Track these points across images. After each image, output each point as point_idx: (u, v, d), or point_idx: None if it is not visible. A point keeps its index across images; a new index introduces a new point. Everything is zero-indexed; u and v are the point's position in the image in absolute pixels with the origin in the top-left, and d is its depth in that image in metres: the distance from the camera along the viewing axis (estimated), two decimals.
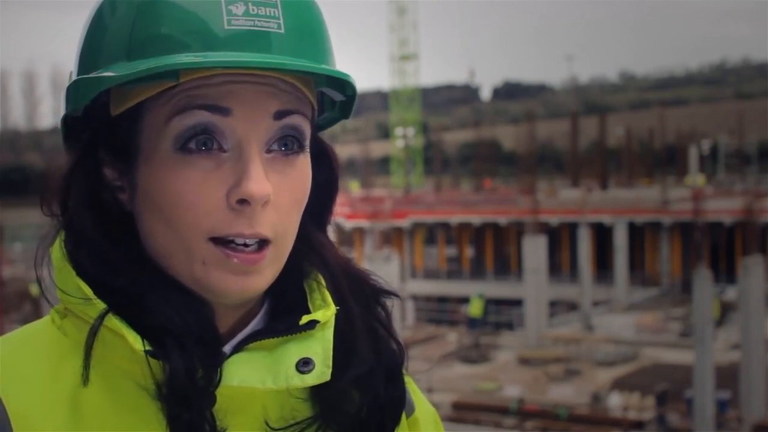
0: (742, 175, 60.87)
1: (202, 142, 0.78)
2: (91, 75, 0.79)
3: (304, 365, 0.81)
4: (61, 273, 0.82)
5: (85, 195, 0.83)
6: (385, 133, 78.79)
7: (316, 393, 0.86)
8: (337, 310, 0.86)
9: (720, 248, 34.47)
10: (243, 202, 0.78)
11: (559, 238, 36.78)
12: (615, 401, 18.37)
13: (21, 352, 0.81)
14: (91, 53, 0.81)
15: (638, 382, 19.67)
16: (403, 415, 0.92)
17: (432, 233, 41.53)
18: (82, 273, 0.81)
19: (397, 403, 0.91)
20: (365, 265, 0.98)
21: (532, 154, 38.64)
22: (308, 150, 0.84)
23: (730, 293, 27.61)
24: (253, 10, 0.78)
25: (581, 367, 21.86)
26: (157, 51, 0.77)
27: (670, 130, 59.32)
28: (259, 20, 0.78)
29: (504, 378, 21.06)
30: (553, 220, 35.76)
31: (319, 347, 0.82)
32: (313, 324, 0.83)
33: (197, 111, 0.78)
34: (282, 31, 0.79)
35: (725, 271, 32.74)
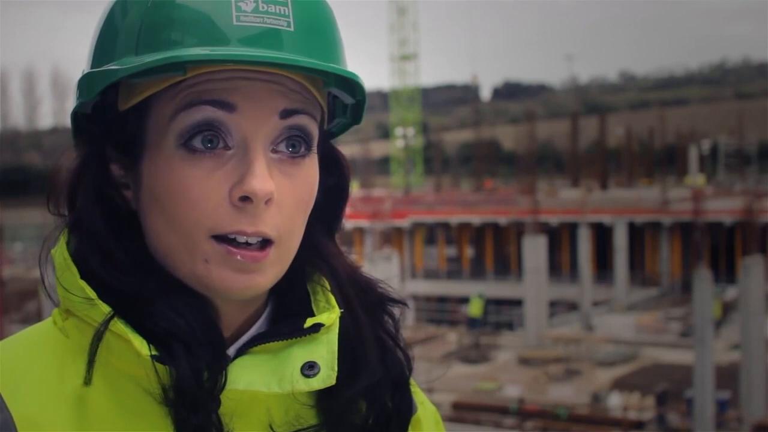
0: (742, 175, 60.88)
1: (207, 139, 0.78)
2: (99, 68, 0.79)
3: (310, 369, 0.80)
4: (64, 274, 0.82)
5: (93, 192, 0.82)
6: (385, 133, 78.76)
7: (322, 401, 0.85)
8: (341, 313, 0.85)
9: (720, 248, 34.47)
10: (246, 199, 0.77)
11: (559, 238, 36.78)
12: (615, 401, 18.36)
13: (24, 355, 0.80)
14: (102, 49, 0.82)
15: (638, 382, 19.67)
16: None
17: (432, 233, 41.52)
18: (86, 274, 0.80)
19: (404, 414, 0.90)
20: (365, 265, 0.98)
21: (532, 154, 38.63)
22: (315, 152, 0.83)
23: (730, 293, 27.61)
24: (262, 7, 0.78)
25: (581, 367, 21.85)
26: (165, 46, 0.77)
27: (670, 130, 59.37)
28: (268, 17, 0.78)
29: (504, 378, 21.05)
30: (553, 220, 35.76)
31: (324, 351, 0.82)
32: (317, 327, 0.82)
33: (202, 106, 0.77)
34: (291, 29, 0.79)
35: (725, 271, 32.74)
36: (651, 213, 35.51)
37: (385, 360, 0.90)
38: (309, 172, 0.82)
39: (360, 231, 35.64)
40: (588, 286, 28.37)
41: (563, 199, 40.88)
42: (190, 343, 0.77)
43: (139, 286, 0.80)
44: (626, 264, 32.30)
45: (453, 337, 26.03)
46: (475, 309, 26.58)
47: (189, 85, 0.78)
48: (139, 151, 0.81)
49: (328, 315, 0.84)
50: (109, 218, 0.82)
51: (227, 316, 0.83)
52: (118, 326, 0.77)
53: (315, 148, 0.83)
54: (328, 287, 0.88)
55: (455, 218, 39.21)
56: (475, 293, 27.70)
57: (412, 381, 0.95)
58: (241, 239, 0.78)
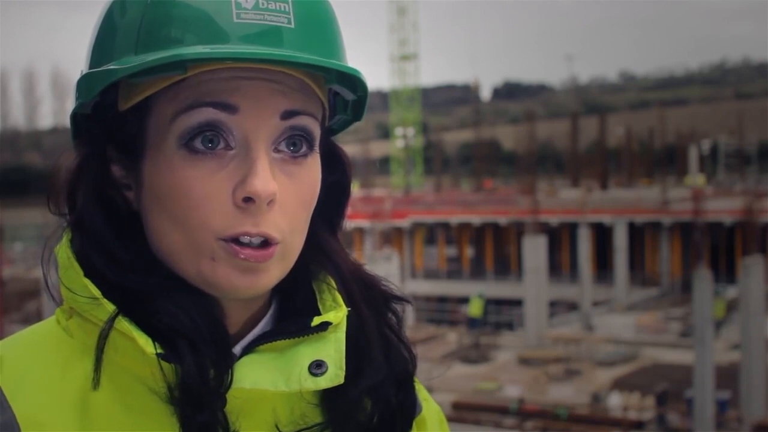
0: (742, 175, 60.90)
1: (208, 139, 0.78)
2: (98, 69, 0.79)
3: (317, 367, 0.80)
4: (67, 272, 0.81)
5: (94, 192, 0.82)
6: (385, 133, 78.78)
7: (328, 400, 0.85)
8: (348, 311, 0.85)
9: (720, 248, 34.48)
10: (248, 200, 0.77)
11: (559, 238, 36.79)
12: (615, 401, 18.37)
13: (27, 354, 0.80)
14: (101, 49, 0.81)
15: (638, 382, 19.68)
16: None
17: (432, 233, 41.54)
18: (89, 272, 0.80)
19: (408, 411, 0.90)
20: (365, 265, 0.97)
21: (532, 154, 38.66)
22: (317, 151, 0.83)
23: (730, 293, 27.62)
24: (263, 4, 0.77)
25: (581, 367, 21.86)
26: (164, 44, 0.76)
27: (670, 130, 59.41)
28: (269, 14, 0.77)
29: (504, 378, 21.06)
30: (553, 220, 35.77)
31: (331, 349, 0.81)
32: (325, 326, 0.82)
33: (204, 108, 0.77)
34: (292, 25, 0.78)
35: (725, 271, 32.76)
36: (651, 213, 35.52)
37: (390, 357, 0.89)
38: (311, 171, 0.82)
39: (360, 231, 35.64)
40: (588, 286, 28.38)
41: (563, 199, 40.90)
42: (196, 341, 0.77)
43: (143, 284, 0.79)
44: (626, 264, 32.31)
45: (453, 337, 26.05)
46: (475, 309, 26.59)
47: (190, 84, 0.77)
48: (139, 151, 0.81)
49: (336, 313, 0.83)
50: (110, 218, 0.82)
51: (232, 314, 0.83)
52: (123, 324, 0.77)
53: (317, 147, 0.83)
54: (334, 285, 0.87)
55: (455, 218, 39.23)
56: (475, 293, 27.71)
57: (415, 379, 0.95)
58: (245, 239, 0.77)
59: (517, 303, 28.58)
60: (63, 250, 0.82)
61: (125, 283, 0.79)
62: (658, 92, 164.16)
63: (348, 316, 0.85)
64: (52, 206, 0.84)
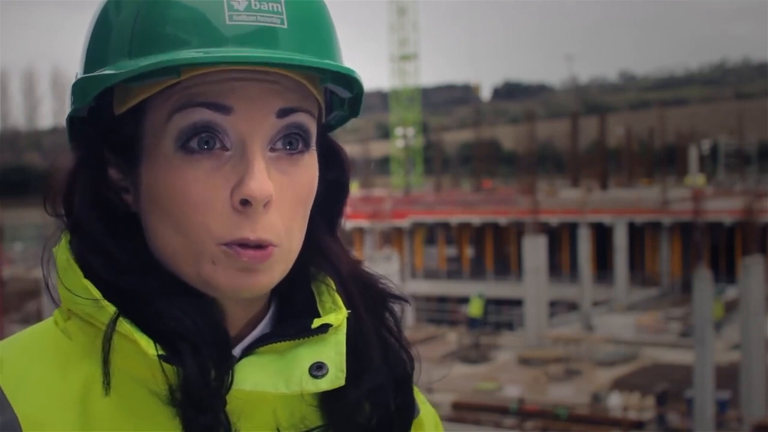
0: (742, 175, 60.90)
1: (204, 140, 0.77)
2: (92, 74, 0.79)
3: (318, 370, 0.80)
4: (66, 274, 0.81)
5: (91, 196, 0.82)
6: (385, 133, 78.78)
7: (328, 402, 0.85)
8: (348, 313, 0.85)
9: (720, 248, 34.47)
10: (245, 203, 0.77)
11: (559, 238, 36.79)
12: (615, 401, 18.36)
13: (27, 356, 0.80)
14: (95, 53, 0.81)
15: (638, 382, 19.68)
16: None
17: (432, 233, 41.53)
18: (88, 274, 0.80)
19: (407, 413, 0.90)
20: (364, 262, 0.97)
21: (532, 154, 38.66)
22: (314, 149, 0.83)
23: (730, 293, 27.62)
24: (255, 5, 0.77)
25: (581, 367, 21.85)
26: (158, 48, 0.76)
27: (670, 130, 59.41)
28: (261, 15, 0.77)
29: (504, 378, 21.05)
30: (553, 220, 35.76)
31: (332, 351, 0.81)
32: (325, 328, 0.82)
33: (198, 109, 0.77)
34: (285, 26, 0.78)
35: (725, 271, 32.75)
36: (651, 213, 35.52)
37: (388, 359, 0.89)
38: (308, 169, 0.82)
39: (360, 231, 35.63)
40: (588, 286, 28.37)
41: (563, 199, 40.90)
42: (197, 343, 0.77)
43: (142, 285, 0.79)
44: (626, 264, 32.31)
45: (453, 337, 26.04)
46: (475, 309, 26.58)
47: (183, 87, 0.77)
48: (136, 154, 0.81)
49: (336, 315, 0.83)
50: (108, 220, 0.82)
51: (231, 315, 0.83)
52: (125, 326, 0.77)
53: (313, 145, 0.83)
54: (333, 286, 0.87)
55: (455, 218, 39.22)
56: (475, 293, 27.71)
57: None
58: (244, 244, 0.77)
59: (517, 303, 28.57)
60: (62, 252, 0.82)
61: (124, 285, 0.79)
62: (658, 92, 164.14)
63: (348, 318, 0.85)
64: (49, 208, 0.84)
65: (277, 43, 0.77)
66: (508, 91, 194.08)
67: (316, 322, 0.82)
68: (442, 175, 63.08)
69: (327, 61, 0.79)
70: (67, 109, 0.83)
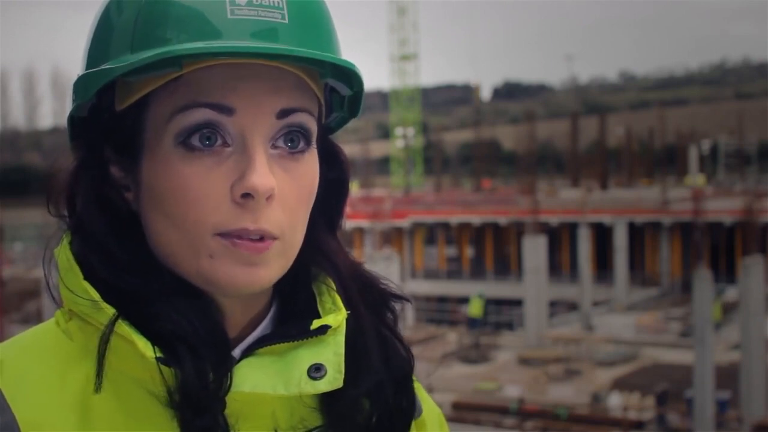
0: (742, 175, 60.89)
1: (205, 136, 0.78)
2: (94, 69, 0.79)
3: (316, 371, 0.80)
4: (67, 275, 0.81)
5: (93, 195, 0.82)
6: (385, 133, 78.78)
7: (327, 402, 0.85)
8: (348, 314, 0.85)
9: (720, 248, 34.47)
10: (247, 196, 0.77)
11: (559, 238, 36.78)
12: (615, 401, 18.36)
13: (27, 357, 0.80)
14: (97, 50, 0.81)
15: (638, 382, 19.68)
16: None
17: (432, 233, 41.53)
18: (89, 275, 0.80)
19: (407, 412, 0.90)
20: (364, 263, 0.97)
21: (532, 154, 38.66)
22: (315, 147, 0.83)
23: (731, 293, 27.61)
24: (256, 0, 0.78)
25: (581, 367, 21.85)
26: (160, 42, 0.76)
27: (670, 130, 59.41)
28: (262, 10, 0.78)
29: (504, 378, 21.05)
30: (553, 220, 35.76)
31: (330, 353, 0.81)
32: (324, 329, 0.82)
33: (200, 109, 0.77)
34: (286, 21, 0.78)
35: (725, 271, 32.74)
36: (651, 213, 35.51)
37: (388, 358, 0.89)
38: (309, 166, 0.82)
39: (360, 231, 35.63)
40: (588, 286, 28.37)
41: (563, 199, 40.89)
42: (195, 345, 0.77)
43: (143, 287, 0.79)
44: (626, 264, 32.30)
45: (453, 337, 26.04)
46: (475, 309, 26.58)
47: (186, 82, 0.77)
48: (137, 151, 0.81)
49: (335, 317, 0.83)
50: (110, 220, 0.82)
51: (232, 316, 0.83)
52: (123, 328, 0.77)
53: (314, 143, 0.83)
54: (334, 287, 0.87)
55: (455, 218, 39.22)
56: (475, 293, 27.71)
57: (414, 380, 0.95)
58: (244, 236, 0.78)
59: (517, 303, 28.57)
60: (63, 253, 0.82)
61: (124, 286, 0.79)
62: (658, 92, 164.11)
63: (347, 319, 0.85)
64: (52, 208, 0.84)
65: (277, 38, 0.78)
66: (508, 91, 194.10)
67: (315, 324, 0.82)
68: (442, 175, 63.10)
69: (326, 54, 0.79)
70: (69, 107, 0.83)
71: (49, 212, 0.84)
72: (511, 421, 18.30)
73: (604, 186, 50.73)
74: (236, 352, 0.81)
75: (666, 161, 54.55)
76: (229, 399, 0.78)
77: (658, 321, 27.30)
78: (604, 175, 51.85)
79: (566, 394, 19.53)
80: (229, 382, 0.77)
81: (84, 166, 0.83)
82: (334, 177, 0.90)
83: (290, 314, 0.87)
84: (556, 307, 30.13)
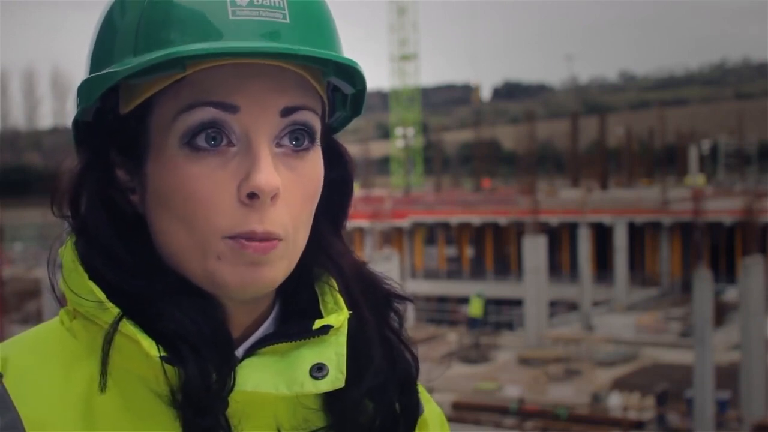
0: (742, 175, 60.88)
1: (211, 136, 0.78)
2: (98, 73, 0.79)
3: (318, 371, 0.80)
4: (71, 275, 0.82)
5: (98, 197, 0.82)
6: (385, 133, 78.76)
7: (329, 402, 0.85)
8: (349, 314, 0.85)
9: (720, 248, 34.46)
10: (253, 196, 0.77)
11: (559, 238, 36.77)
12: (615, 401, 18.36)
13: (32, 355, 0.80)
14: (100, 54, 0.82)
15: (638, 382, 19.67)
16: None
17: (432, 233, 41.52)
18: (94, 276, 0.80)
19: (411, 413, 0.90)
20: (368, 263, 0.97)
21: (532, 154, 38.66)
22: (319, 145, 0.84)
23: (731, 293, 27.60)
24: (258, 0, 0.78)
25: (581, 367, 21.85)
26: (163, 44, 0.77)
27: (670, 130, 59.40)
28: (264, 11, 0.78)
29: (504, 378, 21.05)
30: (553, 220, 35.75)
31: (332, 353, 0.82)
32: (326, 329, 0.82)
33: (205, 108, 0.78)
34: (287, 21, 0.79)
35: (725, 271, 32.73)
36: (651, 213, 35.50)
37: (392, 359, 0.89)
38: (314, 165, 0.83)
39: (360, 231, 35.63)
40: (588, 286, 28.35)
41: (563, 199, 40.88)
42: (198, 345, 0.77)
43: (147, 287, 0.80)
44: (626, 264, 32.29)
45: (453, 337, 26.01)
46: (475, 309, 26.57)
47: (189, 83, 0.78)
48: (142, 153, 0.81)
49: (337, 317, 0.84)
50: (115, 222, 0.82)
51: (235, 316, 0.83)
52: (128, 327, 0.77)
53: (318, 142, 0.83)
54: (336, 287, 0.88)
55: (455, 218, 39.20)
56: (474, 293, 27.70)
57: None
58: (252, 237, 0.78)
59: (517, 303, 28.55)
60: (67, 254, 0.83)
61: (128, 288, 0.79)
62: (658, 92, 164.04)
63: (350, 319, 0.85)
64: (56, 210, 0.84)
65: (279, 38, 0.78)
66: (508, 91, 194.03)
67: (317, 324, 0.82)
68: (442, 175, 63.07)
69: (329, 52, 0.80)
70: (73, 111, 0.83)
71: (53, 213, 0.85)
72: (511, 421, 18.30)
73: (604, 186, 50.71)
74: (239, 352, 0.82)
75: (666, 161, 54.53)
76: (232, 399, 0.78)
77: (658, 321, 27.29)
78: (604, 175, 51.84)
79: (566, 394, 19.52)
80: (232, 382, 0.78)
81: (89, 169, 0.83)
82: (338, 176, 0.90)
83: (293, 314, 0.87)
84: (556, 307, 30.12)
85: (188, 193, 0.78)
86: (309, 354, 0.81)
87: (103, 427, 0.77)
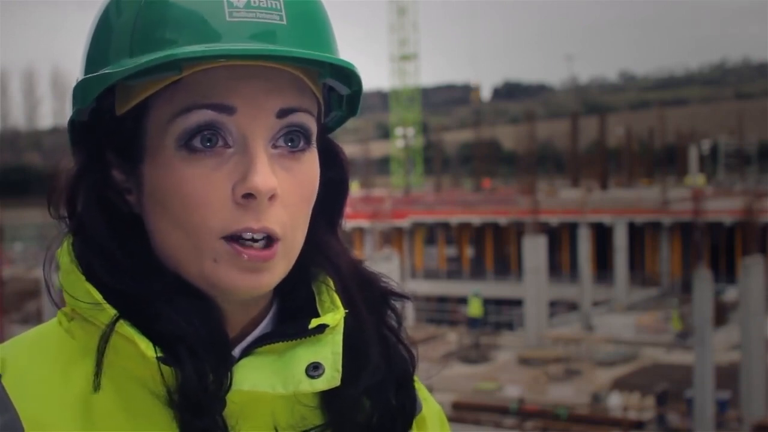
0: (742, 175, 60.87)
1: (207, 138, 0.78)
2: (94, 74, 0.79)
3: (314, 370, 0.81)
4: (68, 276, 0.82)
5: (95, 198, 0.82)
6: (385, 133, 78.78)
7: (326, 401, 0.85)
8: (346, 313, 0.85)
9: (720, 248, 34.46)
10: (249, 196, 0.77)
11: (559, 238, 36.78)
12: (615, 401, 18.36)
13: (30, 356, 0.80)
14: (96, 54, 0.81)
15: (638, 382, 19.67)
16: None
17: (432, 233, 41.52)
18: (91, 277, 0.80)
19: (408, 411, 0.90)
20: (365, 261, 0.97)
21: (532, 154, 38.66)
22: (315, 146, 0.84)
23: (731, 293, 27.60)
24: (255, 2, 0.78)
25: (581, 367, 21.85)
26: (159, 45, 0.76)
27: (670, 130, 59.39)
28: (260, 12, 0.78)
29: (504, 378, 21.05)
30: (553, 220, 35.75)
31: (328, 351, 0.82)
32: (322, 328, 0.82)
33: (201, 110, 0.78)
34: (284, 22, 0.79)
35: (725, 271, 32.73)
36: (651, 213, 35.50)
37: (389, 358, 0.90)
38: (310, 166, 0.83)
39: (360, 231, 35.63)
40: (588, 286, 28.36)
41: (563, 199, 40.89)
42: (195, 346, 0.78)
43: (144, 288, 0.80)
44: (626, 264, 32.29)
45: (453, 337, 26.02)
46: (474, 309, 26.58)
47: (186, 85, 0.77)
48: (139, 154, 0.81)
49: (333, 316, 0.84)
50: (112, 223, 0.82)
51: (232, 316, 0.83)
52: (125, 328, 0.78)
53: (314, 143, 0.83)
54: (333, 287, 0.88)
55: (455, 218, 39.21)
56: (471, 292, 27.70)
57: (415, 378, 0.95)
58: (247, 235, 0.78)
59: (517, 303, 28.56)
60: (64, 255, 0.83)
61: (125, 289, 0.79)
62: (658, 92, 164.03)
63: (347, 318, 0.85)
64: (52, 211, 0.85)
65: (276, 40, 0.78)
66: (508, 91, 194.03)
67: (313, 323, 0.83)
68: (442, 175, 63.05)
69: (325, 54, 0.80)
70: (69, 112, 0.83)
71: (49, 214, 0.85)
72: (511, 421, 18.30)
73: (604, 186, 50.71)
74: (236, 352, 0.82)
75: (666, 161, 54.53)
76: (229, 399, 0.78)
77: (658, 321, 27.28)
78: (604, 175, 51.83)
79: (566, 394, 19.52)
80: (228, 382, 0.78)
81: (85, 170, 0.83)
82: (334, 176, 0.90)
83: (290, 313, 0.87)
84: (556, 307, 30.12)
85: (184, 195, 0.78)
86: (305, 353, 0.81)
87: (101, 427, 0.77)
